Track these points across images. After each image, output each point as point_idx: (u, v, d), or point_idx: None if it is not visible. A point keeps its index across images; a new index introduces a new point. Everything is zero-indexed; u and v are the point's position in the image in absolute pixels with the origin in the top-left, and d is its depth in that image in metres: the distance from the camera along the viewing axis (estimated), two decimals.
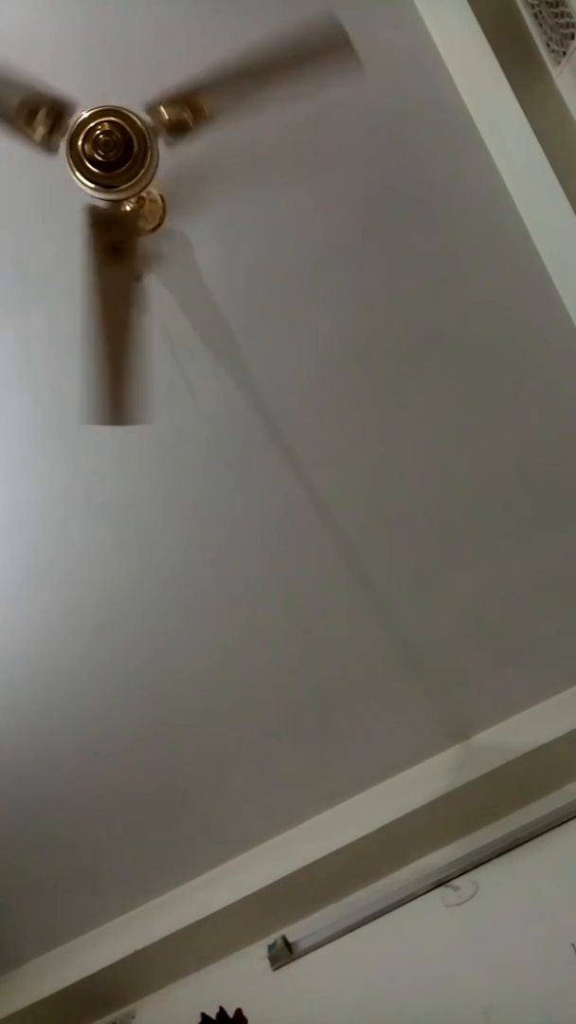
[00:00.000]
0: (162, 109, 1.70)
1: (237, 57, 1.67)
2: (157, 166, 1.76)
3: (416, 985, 1.89)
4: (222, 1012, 1.85)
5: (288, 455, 2.34)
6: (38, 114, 1.60)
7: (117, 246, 1.74)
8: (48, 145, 1.67)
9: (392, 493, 2.38)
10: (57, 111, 1.62)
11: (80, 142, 1.69)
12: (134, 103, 1.73)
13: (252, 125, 2.08)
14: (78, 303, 2.20)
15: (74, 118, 1.69)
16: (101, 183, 1.73)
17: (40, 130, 1.63)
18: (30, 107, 1.59)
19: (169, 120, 1.71)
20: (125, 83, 1.81)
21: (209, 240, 2.19)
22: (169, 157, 1.77)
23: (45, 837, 2.57)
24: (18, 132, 1.61)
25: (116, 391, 1.77)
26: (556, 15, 1.86)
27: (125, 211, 1.79)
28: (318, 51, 1.68)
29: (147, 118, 1.71)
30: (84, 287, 1.74)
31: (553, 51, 1.93)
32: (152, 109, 1.71)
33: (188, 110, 1.70)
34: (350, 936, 2.19)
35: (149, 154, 1.71)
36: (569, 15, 1.80)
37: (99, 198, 1.76)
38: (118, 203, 1.76)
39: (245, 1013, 1.84)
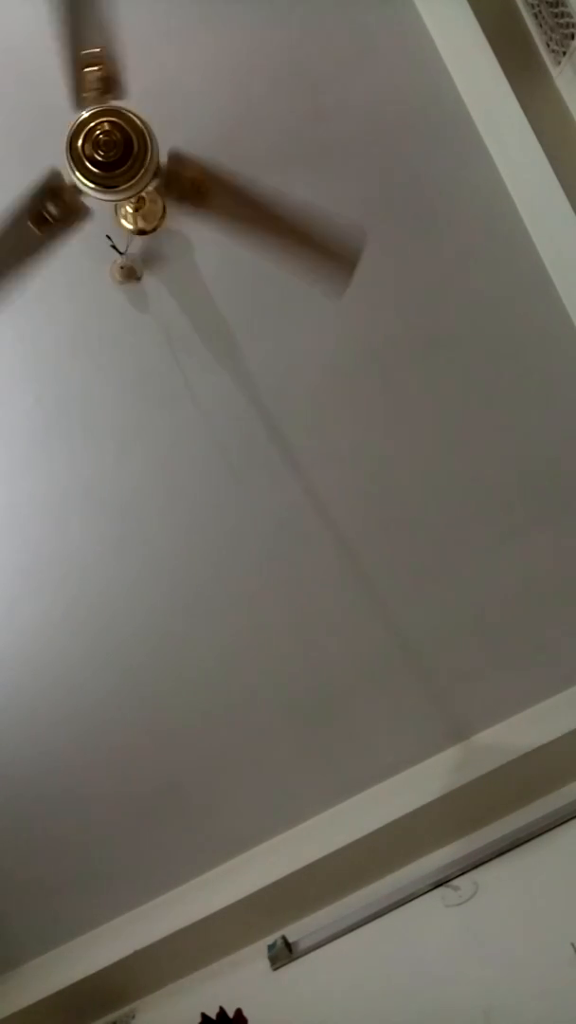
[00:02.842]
0: (175, 161, 1.74)
1: (266, 193, 1.75)
2: (157, 167, 1.76)
3: (416, 985, 1.89)
4: (222, 1012, 1.85)
5: (288, 455, 2.34)
6: (93, 73, 1.62)
7: (47, 218, 1.75)
8: (79, 102, 1.68)
9: (392, 493, 2.38)
10: (109, 80, 1.64)
11: (80, 142, 1.70)
12: (135, 104, 1.73)
13: (252, 125, 2.10)
14: (79, 303, 2.22)
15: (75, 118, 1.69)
16: (101, 183, 1.73)
17: (86, 86, 1.64)
18: (91, 62, 1.60)
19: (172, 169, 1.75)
20: (126, 84, 1.81)
21: (209, 240, 2.18)
22: None
23: (45, 837, 2.58)
24: (71, 71, 1.63)
25: None
26: (556, 15, 1.86)
27: (80, 203, 1.78)
28: (327, 250, 1.79)
29: (161, 152, 1.74)
30: None
31: (553, 51, 1.93)
32: (171, 155, 1.75)
33: (196, 179, 1.75)
34: (350, 936, 2.19)
35: (149, 155, 1.71)
36: (569, 15, 1.80)
37: (101, 199, 1.76)
38: (80, 192, 1.76)
39: (245, 1013, 1.84)
